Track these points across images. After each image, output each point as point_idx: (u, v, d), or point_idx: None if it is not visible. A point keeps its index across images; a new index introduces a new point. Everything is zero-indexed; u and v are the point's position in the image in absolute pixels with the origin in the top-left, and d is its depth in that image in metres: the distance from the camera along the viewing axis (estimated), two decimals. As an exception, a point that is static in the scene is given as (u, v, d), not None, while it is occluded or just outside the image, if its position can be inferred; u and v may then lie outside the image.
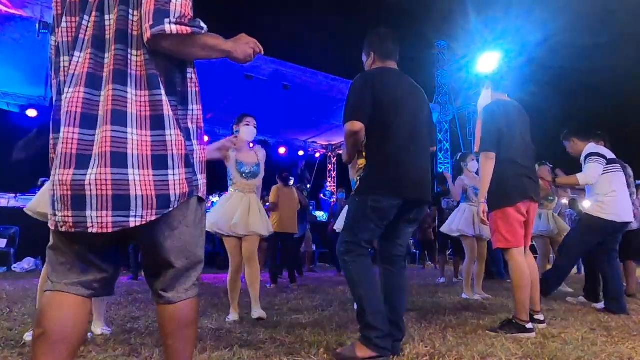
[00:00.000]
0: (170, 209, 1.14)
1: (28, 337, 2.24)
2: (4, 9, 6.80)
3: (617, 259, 3.82)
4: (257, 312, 3.07)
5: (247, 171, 3.20)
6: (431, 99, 13.98)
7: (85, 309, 1.12)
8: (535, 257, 4.02)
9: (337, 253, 2.21)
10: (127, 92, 1.11)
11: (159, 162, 1.12)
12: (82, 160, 1.07)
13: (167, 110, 1.14)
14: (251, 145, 3.43)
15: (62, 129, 1.09)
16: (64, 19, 1.19)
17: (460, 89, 14.23)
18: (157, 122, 1.13)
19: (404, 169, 2.17)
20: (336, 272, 7.83)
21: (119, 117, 1.09)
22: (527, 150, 2.89)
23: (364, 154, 2.30)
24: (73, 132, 1.08)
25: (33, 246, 6.84)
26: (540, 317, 2.88)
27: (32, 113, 9.41)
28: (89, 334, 2.45)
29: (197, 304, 1.26)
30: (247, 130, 3.24)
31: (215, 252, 8.43)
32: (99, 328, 2.50)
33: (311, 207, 11.59)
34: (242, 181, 3.20)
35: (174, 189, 1.14)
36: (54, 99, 1.18)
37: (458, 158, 5.09)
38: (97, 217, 1.06)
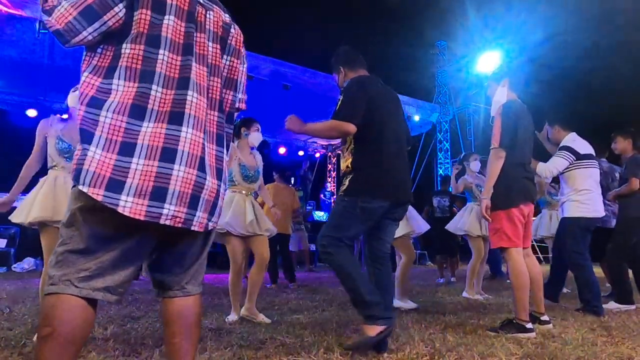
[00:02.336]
0: None
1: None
2: (4, 9, 6.79)
3: (590, 259, 3.64)
4: (261, 316, 3.06)
5: (249, 174, 3.23)
6: (431, 99, 13.93)
7: (93, 308, 1.11)
8: (547, 257, 3.96)
9: (320, 247, 2.32)
10: (220, 118, 1.34)
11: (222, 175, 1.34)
12: (203, 166, 1.21)
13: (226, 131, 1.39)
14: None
15: (188, 130, 1.18)
16: (168, 16, 1.19)
17: (460, 89, 14.16)
18: (221, 141, 1.34)
19: (392, 174, 2.31)
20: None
21: (220, 140, 1.31)
22: (531, 153, 2.97)
23: (350, 153, 2.38)
24: (201, 138, 1.21)
25: (33, 246, 6.82)
26: (546, 317, 2.88)
27: (32, 113, 9.41)
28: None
29: (202, 301, 1.38)
30: (256, 136, 3.31)
31: (216, 252, 8.41)
32: None
33: (311, 207, 11.56)
34: (244, 184, 3.23)
35: None
36: (135, 84, 1.14)
37: (461, 158, 5.08)
38: (201, 217, 1.21)
